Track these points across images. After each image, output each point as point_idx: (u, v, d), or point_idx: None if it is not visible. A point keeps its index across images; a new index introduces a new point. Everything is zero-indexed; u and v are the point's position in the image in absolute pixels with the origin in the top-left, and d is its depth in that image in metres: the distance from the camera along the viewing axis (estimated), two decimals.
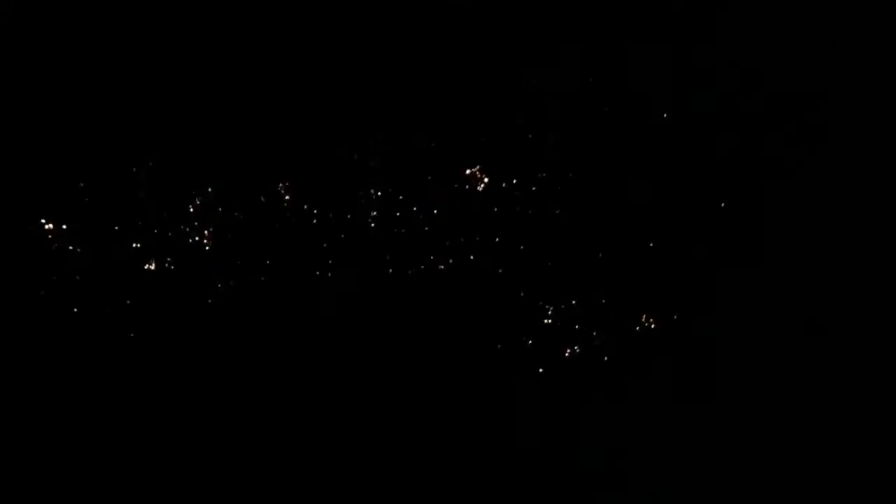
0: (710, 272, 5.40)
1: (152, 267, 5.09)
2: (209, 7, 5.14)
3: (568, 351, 5.30)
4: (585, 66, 5.45)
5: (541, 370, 5.21)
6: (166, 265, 5.09)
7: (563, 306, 5.37)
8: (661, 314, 5.38)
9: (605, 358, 5.34)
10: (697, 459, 5.28)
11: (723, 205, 5.44)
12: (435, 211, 5.36)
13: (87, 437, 5.06)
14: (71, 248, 5.04)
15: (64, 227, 5.03)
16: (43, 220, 5.01)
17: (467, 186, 5.40)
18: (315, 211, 5.26)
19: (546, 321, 5.34)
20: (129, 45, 5.10)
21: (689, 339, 5.39)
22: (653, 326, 5.37)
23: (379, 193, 5.31)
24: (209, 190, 5.15)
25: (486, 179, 5.41)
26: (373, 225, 5.30)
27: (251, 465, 5.13)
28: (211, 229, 5.12)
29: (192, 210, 5.14)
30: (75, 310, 5.07)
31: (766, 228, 5.44)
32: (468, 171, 5.41)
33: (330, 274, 5.26)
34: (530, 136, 5.44)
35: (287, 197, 5.23)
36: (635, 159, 5.46)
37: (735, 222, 5.42)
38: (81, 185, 5.07)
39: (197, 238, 5.10)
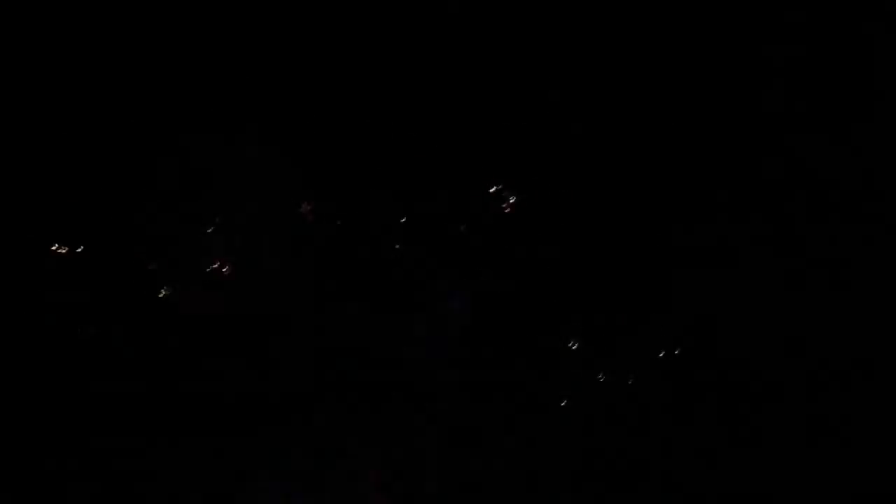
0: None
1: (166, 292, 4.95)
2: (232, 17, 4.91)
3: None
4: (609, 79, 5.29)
5: (563, 403, 5.14)
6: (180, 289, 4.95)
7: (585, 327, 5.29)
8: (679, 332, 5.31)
9: (630, 382, 5.28)
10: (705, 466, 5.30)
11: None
12: (462, 227, 5.24)
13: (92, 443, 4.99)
14: (82, 271, 4.89)
15: (78, 250, 4.88)
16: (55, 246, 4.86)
17: (490, 201, 5.28)
18: (339, 222, 5.12)
19: (570, 345, 5.25)
20: (150, 57, 4.87)
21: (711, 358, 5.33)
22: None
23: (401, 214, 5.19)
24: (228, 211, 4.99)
25: (511, 200, 5.27)
26: (397, 246, 5.16)
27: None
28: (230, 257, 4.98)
29: (210, 231, 4.99)
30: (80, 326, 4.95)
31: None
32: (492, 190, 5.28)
33: (350, 292, 5.15)
34: (552, 149, 5.29)
35: (310, 213, 5.08)
36: (659, 174, 5.33)
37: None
38: (90, 200, 4.90)
39: (216, 265, 4.95)
